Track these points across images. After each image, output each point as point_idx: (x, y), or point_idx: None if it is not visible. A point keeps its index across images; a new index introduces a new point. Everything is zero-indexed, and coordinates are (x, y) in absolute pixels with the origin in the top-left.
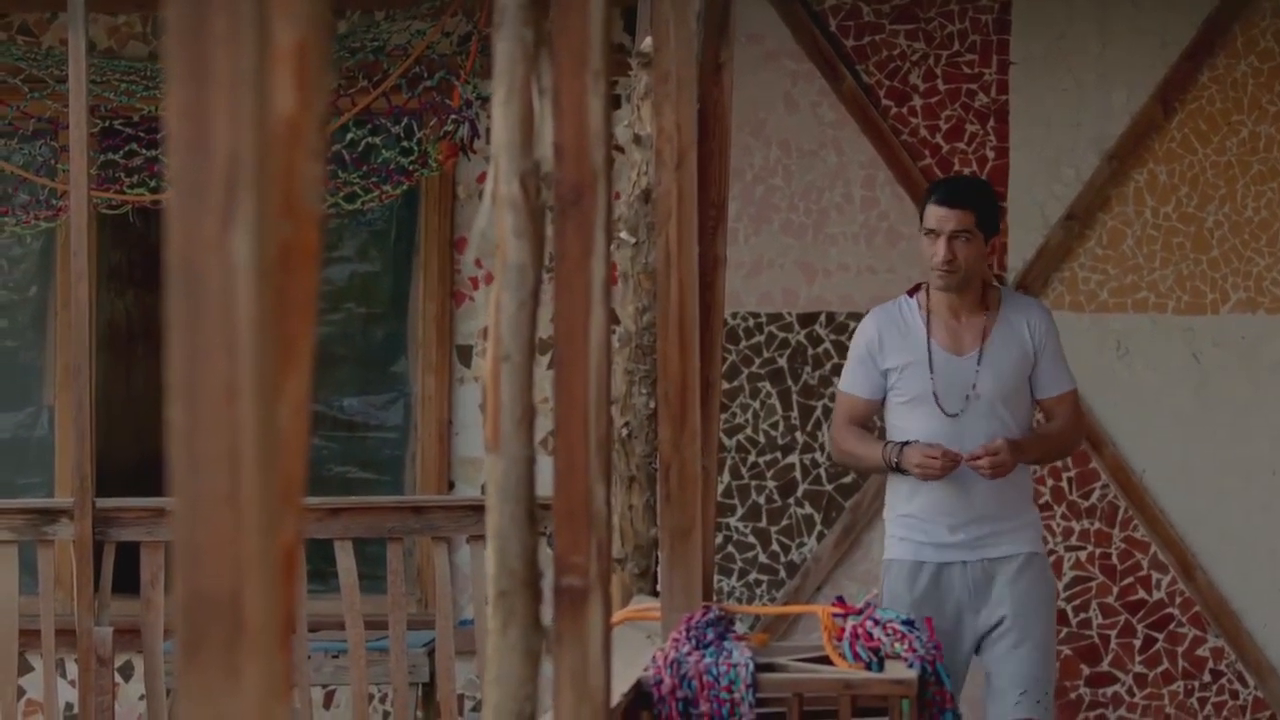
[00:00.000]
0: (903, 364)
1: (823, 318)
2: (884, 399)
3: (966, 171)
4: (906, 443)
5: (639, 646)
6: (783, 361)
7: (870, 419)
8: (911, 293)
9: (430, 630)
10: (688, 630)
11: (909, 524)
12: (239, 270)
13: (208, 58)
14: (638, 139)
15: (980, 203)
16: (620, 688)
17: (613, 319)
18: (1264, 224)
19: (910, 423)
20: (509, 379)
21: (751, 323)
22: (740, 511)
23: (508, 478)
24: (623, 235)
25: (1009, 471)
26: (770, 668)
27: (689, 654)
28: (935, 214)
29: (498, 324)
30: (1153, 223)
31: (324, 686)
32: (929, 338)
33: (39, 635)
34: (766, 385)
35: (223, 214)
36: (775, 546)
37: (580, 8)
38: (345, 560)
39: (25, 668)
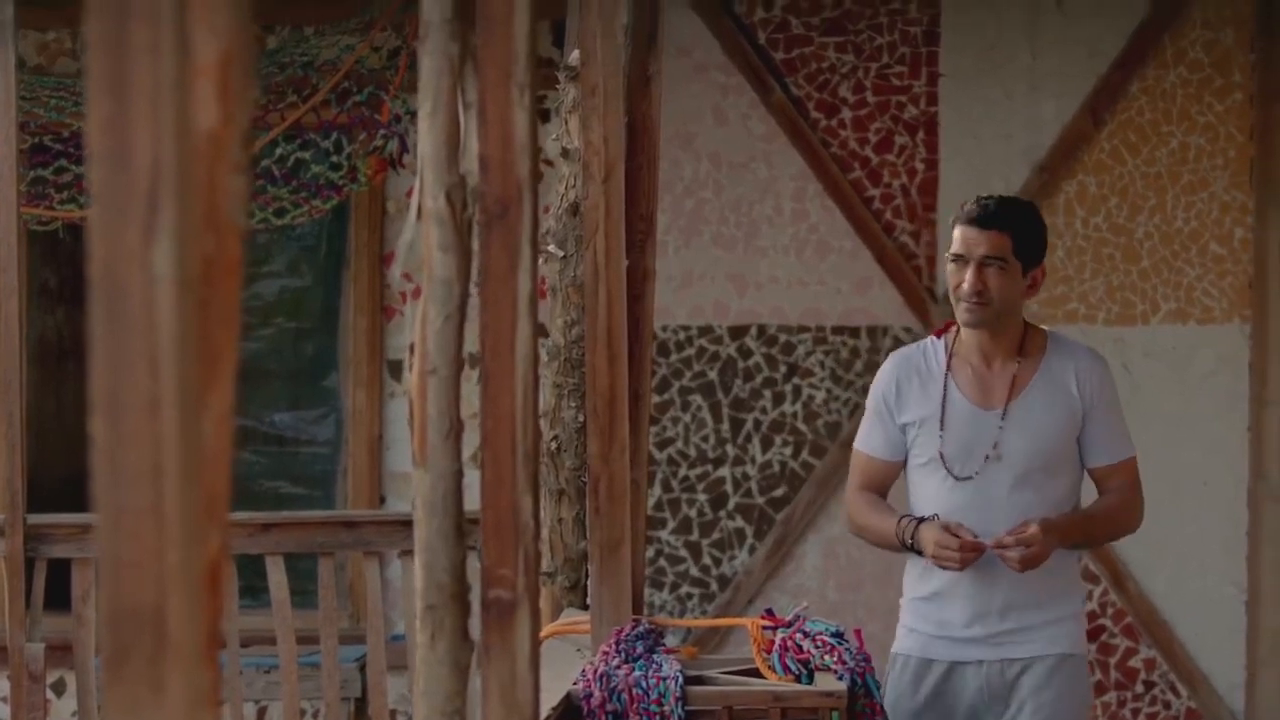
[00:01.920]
0: (920, 418)
1: (754, 330)
2: (903, 462)
3: (897, 184)
4: (924, 518)
5: (569, 660)
6: (713, 374)
7: (888, 483)
8: (939, 333)
9: (362, 645)
10: (617, 643)
11: (921, 611)
12: (161, 283)
13: (128, 71)
14: (566, 152)
15: (1019, 224)
16: (550, 701)
17: (541, 332)
18: (1194, 234)
19: (924, 490)
20: (436, 393)
21: (682, 336)
22: (671, 525)
23: (435, 491)
24: (551, 249)
25: (1043, 561)
26: (700, 680)
27: (618, 667)
28: (963, 236)
29: (424, 338)
30: (1083, 234)
31: (256, 702)
32: (946, 385)
33: None
34: (698, 398)
35: (144, 227)
36: (707, 559)
37: (505, 22)
38: (276, 575)
39: None
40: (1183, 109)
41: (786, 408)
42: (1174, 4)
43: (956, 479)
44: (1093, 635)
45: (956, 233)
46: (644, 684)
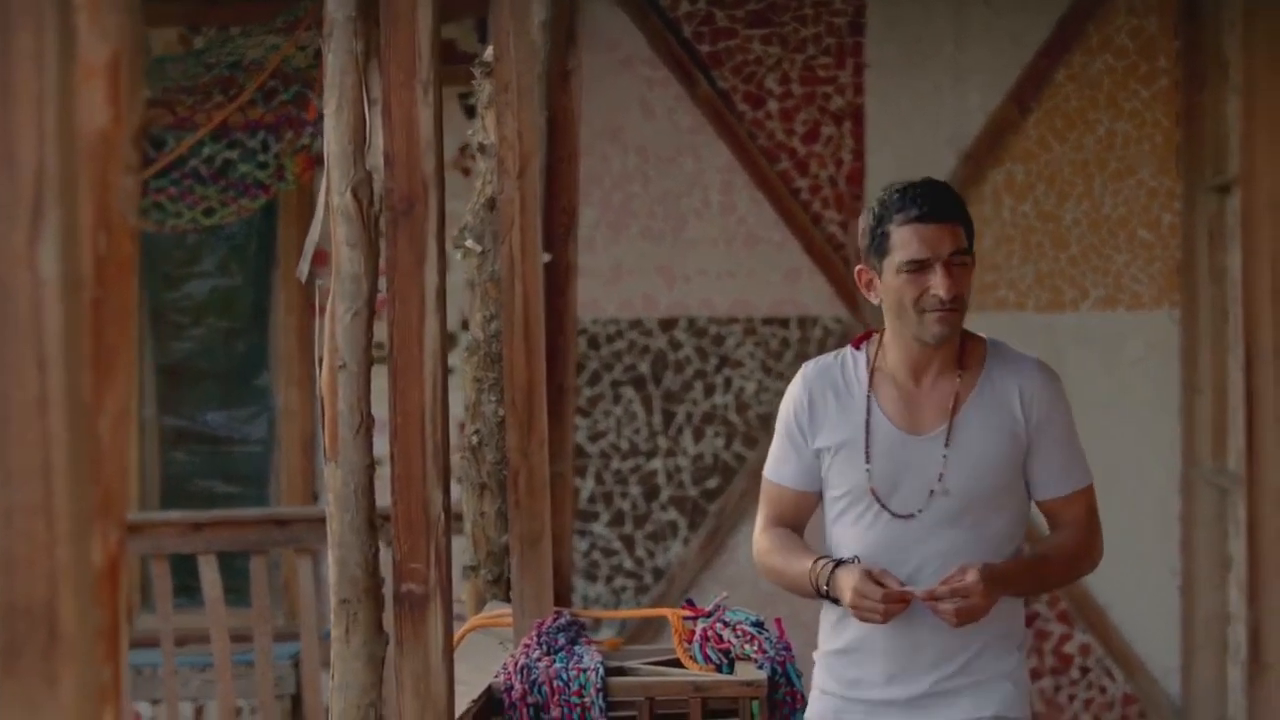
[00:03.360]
0: (837, 443)
1: (683, 322)
2: (820, 493)
3: (824, 175)
4: (843, 561)
5: (492, 653)
6: (644, 367)
7: (804, 518)
8: (858, 342)
9: (297, 642)
10: (539, 636)
11: (834, 668)
12: (47, 284)
13: (12, 76)
14: (482, 148)
15: (965, 210)
16: (470, 694)
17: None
18: (1122, 221)
19: (846, 529)
20: (345, 388)
21: (612, 329)
22: (605, 518)
23: (346, 486)
24: (469, 244)
25: (983, 615)
26: (621, 671)
27: (539, 659)
28: (922, 236)
29: (333, 334)
30: (1011, 221)
31: (193, 700)
32: (869, 406)
33: None
34: (629, 391)
35: (30, 229)
36: (640, 552)
37: (408, 19)
38: (209, 574)
39: None
40: (1109, 95)
41: (718, 399)
42: None
43: (894, 516)
44: (1028, 621)
45: (906, 234)
46: (564, 675)
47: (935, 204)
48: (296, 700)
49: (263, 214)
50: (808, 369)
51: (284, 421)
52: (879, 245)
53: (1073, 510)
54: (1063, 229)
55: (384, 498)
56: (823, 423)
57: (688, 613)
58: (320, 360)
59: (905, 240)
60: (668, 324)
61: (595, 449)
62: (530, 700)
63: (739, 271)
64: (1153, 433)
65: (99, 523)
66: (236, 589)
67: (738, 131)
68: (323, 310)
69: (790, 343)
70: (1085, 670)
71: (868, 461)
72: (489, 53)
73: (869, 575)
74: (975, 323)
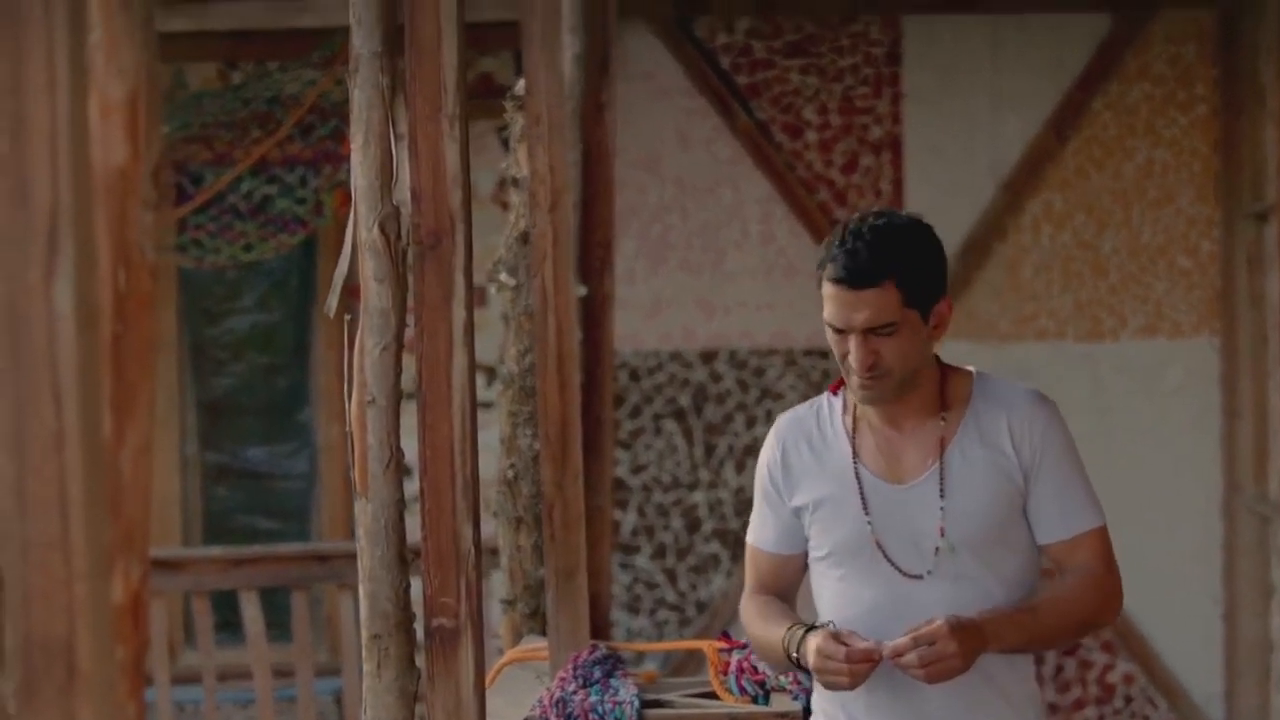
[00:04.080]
0: (815, 499)
1: (724, 354)
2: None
3: (863, 205)
4: (813, 625)
5: (528, 687)
6: (685, 400)
7: (790, 583)
8: (836, 387)
9: (339, 678)
10: (575, 669)
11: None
12: (62, 319)
13: (25, 110)
14: (515, 182)
15: (903, 267)
16: None
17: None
18: (1161, 249)
19: (836, 590)
20: (375, 423)
21: (653, 362)
22: (647, 550)
23: (377, 522)
24: (503, 278)
25: (959, 672)
26: (658, 704)
27: (575, 692)
28: (840, 300)
29: (361, 368)
30: (1050, 250)
31: None
32: (855, 458)
33: None
34: (670, 423)
35: (45, 264)
36: (683, 585)
37: (434, 54)
38: (250, 610)
39: None
40: (1147, 124)
41: (759, 431)
42: (1136, 20)
43: (905, 575)
44: (1070, 650)
45: (828, 291)
46: (600, 708)
47: (854, 269)
48: None
49: (302, 249)
50: (780, 422)
51: (325, 457)
52: (818, 280)
53: (1079, 556)
54: (1101, 258)
55: (415, 533)
56: (799, 479)
57: (723, 644)
58: (349, 395)
59: (827, 297)
60: (708, 356)
61: (637, 482)
62: None
63: (778, 303)
64: (1194, 460)
65: (121, 558)
66: (279, 624)
67: (776, 162)
68: (351, 345)
69: (831, 374)
70: (1129, 699)
71: (866, 512)
72: (520, 86)
73: (834, 636)
74: (1018, 352)
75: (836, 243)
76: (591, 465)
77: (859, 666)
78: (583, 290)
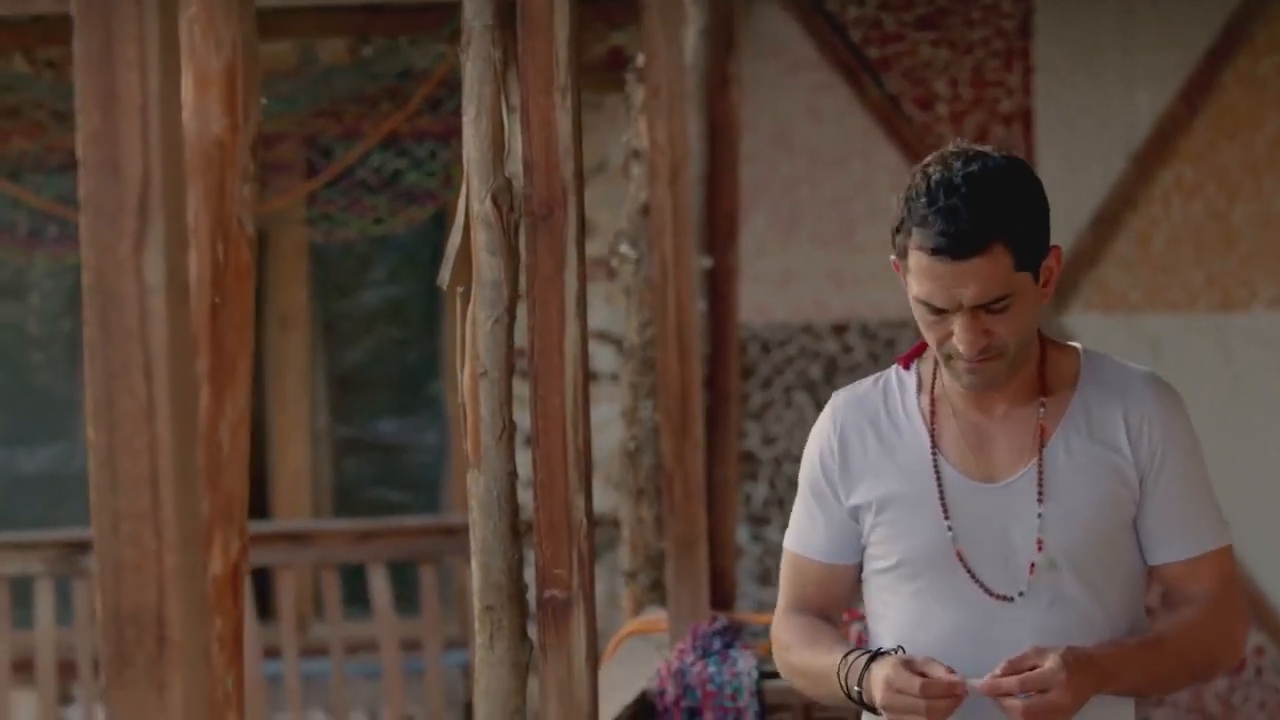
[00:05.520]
0: (881, 497)
1: (855, 326)
2: (860, 565)
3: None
4: (879, 651)
5: (647, 658)
6: (816, 372)
7: (838, 600)
8: (907, 360)
9: (468, 650)
10: (694, 640)
11: None
12: (153, 292)
13: (115, 84)
14: (636, 154)
15: (1013, 223)
16: (624, 699)
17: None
18: None
19: (905, 614)
20: (487, 395)
21: (784, 334)
22: (778, 522)
23: (490, 493)
24: (623, 250)
25: (1068, 716)
26: (776, 675)
27: (693, 664)
28: (937, 276)
29: (474, 340)
30: (1181, 222)
31: (366, 709)
32: (934, 448)
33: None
34: (801, 396)
35: (135, 237)
36: None
37: (546, 26)
38: (378, 583)
39: (67, 698)
40: (1277, 95)
41: None
42: None
43: (993, 596)
44: None
45: (921, 264)
46: (718, 679)
47: (956, 235)
48: (468, 709)
49: (431, 223)
50: (837, 401)
51: (455, 430)
52: (901, 249)
53: (1202, 581)
54: (1232, 229)
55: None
56: (861, 471)
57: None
58: (461, 367)
59: (919, 271)
60: (839, 329)
61: (768, 454)
62: (684, 704)
63: None
64: None
65: (219, 530)
66: (407, 597)
67: (907, 135)
68: (464, 317)
69: None
70: (1260, 671)
71: (946, 516)
72: (641, 58)
73: (907, 664)
74: (1149, 324)
75: (924, 200)
76: (717, 437)
77: (940, 703)
78: (708, 262)
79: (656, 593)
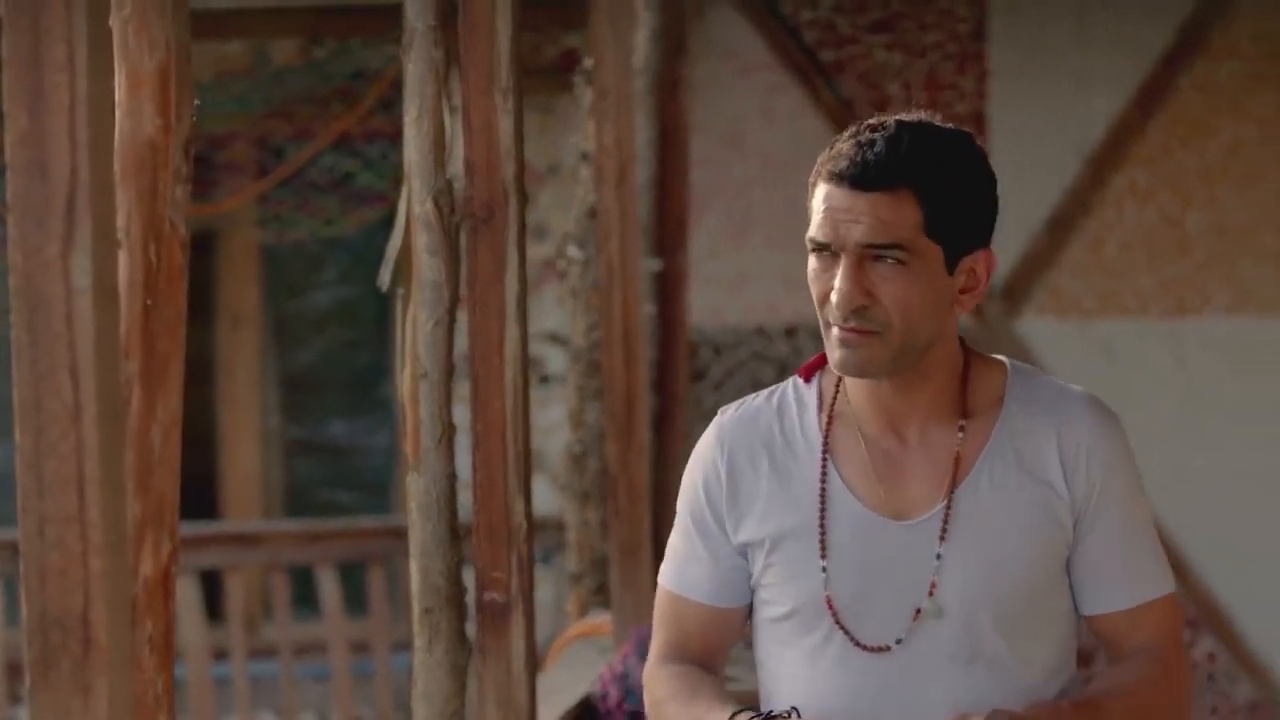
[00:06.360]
0: (774, 534)
1: (806, 330)
2: (750, 607)
3: None
4: (775, 715)
5: (590, 661)
6: (768, 375)
7: (722, 648)
8: (808, 372)
9: None
10: (637, 644)
11: None
12: (80, 294)
13: (43, 85)
14: (585, 156)
15: (931, 175)
16: (567, 702)
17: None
18: (1248, 227)
19: (794, 669)
20: (427, 397)
21: (735, 337)
22: None
23: (428, 495)
24: (571, 252)
25: None
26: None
27: (636, 667)
28: (829, 204)
29: (414, 342)
30: (1134, 227)
31: (314, 711)
32: (825, 472)
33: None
34: None
35: (63, 239)
36: None
37: (488, 27)
38: (327, 584)
39: (15, 698)
40: (1233, 101)
41: None
42: None
43: (863, 649)
44: None
45: (819, 196)
46: None
47: (862, 163)
48: None
49: (383, 224)
50: (725, 419)
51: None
52: (811, 187)
53: (1143, 633)
54: (1186, 235)
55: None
56: (751, 502)
57: None
58: (401, 368)
59: (817, 205)
60: (791, 331)
61: None
62: (626, 708)
63: None
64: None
65: (150, 533)
66: (356, 599)
67: None
68: (404, 319)
69: None
70: (1211, 678)
71: (823, 556)
72: (589, 61)
73: None
74: (1102, 329)
75: (847, 134)
76: (665, 440)
77: None
78: (657, 265)
79: (602, 596)
